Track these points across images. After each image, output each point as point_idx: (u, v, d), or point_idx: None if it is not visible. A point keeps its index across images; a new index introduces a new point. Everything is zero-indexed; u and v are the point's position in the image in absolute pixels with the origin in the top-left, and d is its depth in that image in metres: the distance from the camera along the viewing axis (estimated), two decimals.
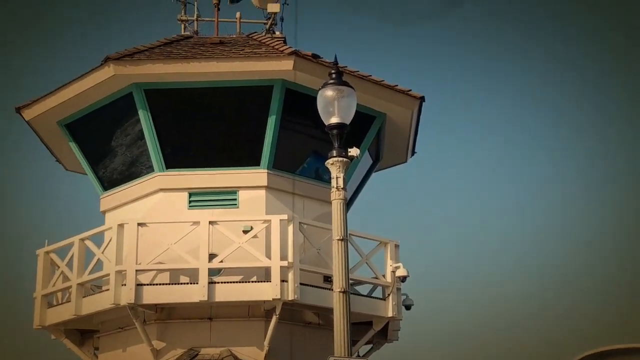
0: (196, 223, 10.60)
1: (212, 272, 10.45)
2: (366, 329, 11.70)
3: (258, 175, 11.50)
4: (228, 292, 10.42)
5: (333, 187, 7.80)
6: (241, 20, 14.00)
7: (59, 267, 11.54)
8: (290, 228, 10.50)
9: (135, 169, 12.13)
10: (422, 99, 12.60)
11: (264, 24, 13.90)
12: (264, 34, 13.54)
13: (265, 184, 11.42)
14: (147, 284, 10.53)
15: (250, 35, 13.27)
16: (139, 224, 10.65)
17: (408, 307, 12.13)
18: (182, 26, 13.95)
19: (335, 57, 8.56)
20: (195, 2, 14.14)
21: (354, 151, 7.94)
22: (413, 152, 14.49)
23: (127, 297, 10.19)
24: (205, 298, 10.15)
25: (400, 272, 11.44)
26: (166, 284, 10.73)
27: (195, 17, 14.06)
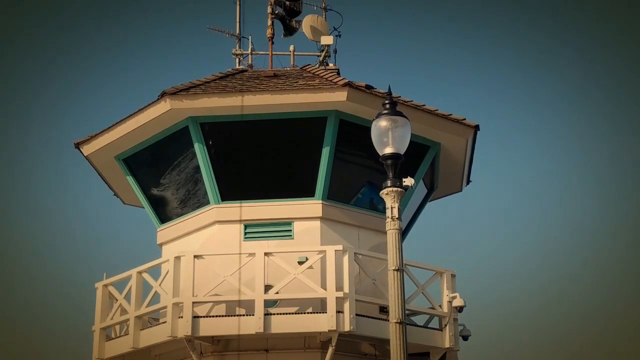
0: (252, 255, 10.58)
1: (268, 303, 10.40)
2: None
3: (313, 206, 11.49)
4: (284, 323, 10.36)
5: (388, 217, 7.71)
6: (295, 53, 14.08)
7: (117, 299, 11.63)
8: (346, 258, 10.41)
9: (191, 202, 12.20)
10: (477, 127, 12.55)
11: (318, 56, 13.98)
12: (317, 65, 13.64)
13: (320, 214, 11.42)
14: (204, 316, 10.53)
15: (304, 68, 13.37)
16: (195, 256, 10.67)
17: (465, 338, 12.02)
18: (237, 60, 14.05)
19: (389, 87, 8.60)
20: (250, 36, 14.26)
21: (408, 181, 7.91)
22: (468, 181, 14.38)
23: (184, 329, 10.17)
24: (262, 330, 10.08)
25: (457, 302, 11.31)
26: (222, 315, 10.73)
27: (249, 50, 14.17)
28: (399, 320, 7.28)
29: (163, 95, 11.18)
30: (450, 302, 11.32)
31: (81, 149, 12.64)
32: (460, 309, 11.41)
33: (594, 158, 36.17)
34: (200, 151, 11.46)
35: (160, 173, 12.64)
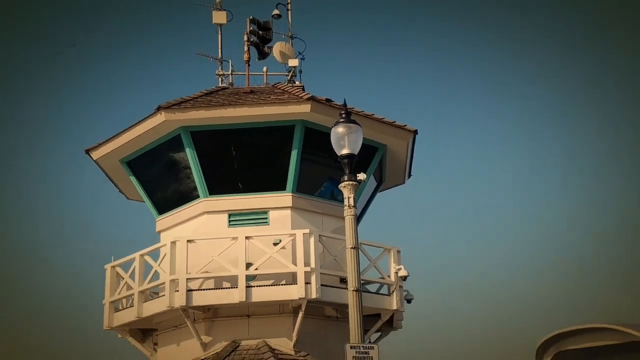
0: (235, 238, 10.75)
1: (249, 278, 10.60)
2: (375, 320, 11.81)
3: (284, 198, 11.67)
4: (262, 293, 10.60)
5: (345, 205, 7.98)
6: (267, 73, 14.23)
7: (123, 278, 11.76)
8: (312, 240, 10.67)
9: (183, 196, 12.27)
10: (416, 131, 12.77)
11: (286, 75, 14.11)
12: (286, 83, 13.75)
13: (291, 204, 11.59)
14: (196, 290, 10.68)
15: (275, 85, 13.49)
16: (188, 241, 10.84)
17: (409, 301, 12.23)
18: (220, 79, 14.15)
19: (344, 101, 8.73)
20: (230, 60, 14.37)
21: (361, 176, 8.13)
22: (409, 175, 14.61)
23: (179, 301, 10.37)
24: (244, 299, 10.33)
25: (402, 272, 11.55)
26: (211, 289, 10.87)
27: (230, 71, 14.26)
28: (355, 289, 7.67)
29: (159, 109, 11.29)
30: (396, 272, 11.56)
31: (91, 154, 12.76)
32: (404, 278, 11.68)
33: (512, 154, 37.51)
34: (190, 155, 11.57)
35: (157, 173, 12.71)
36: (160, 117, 11.24)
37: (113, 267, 11.83)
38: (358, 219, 9.16)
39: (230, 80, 14.00)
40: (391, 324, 12.10)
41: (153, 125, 11.50)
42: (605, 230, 32.31)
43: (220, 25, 14.00)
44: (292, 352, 10.76)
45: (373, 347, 7.81)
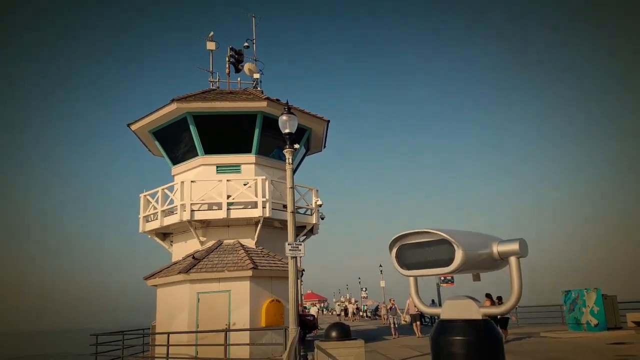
0: (220, 181, 12.62)
1: (229, 204, 12.45)
2: (303, 229, 13.88)
3: (251, 157, 13.37)
4: (237, 213, 12.52)
5: (287, 163, 9.07)
6: (241, 82, 15.53)
7: (150, 202, 13.53)
8: (267, 183, 12.61)
9: (188, 154, 13.68)
10: (328, 121, 14.67)
11: (252, 84, 15.52)
12: (252, 89, 15.14)
13: (254, 162, 13.34)
14: (197, 210, 12.58)
15: (245, 90, 14.94)
16: (191, 182, 12.70)
17: (322, 218, 14.55)
18: (211, 84, 15.40)
19: (287, 101, 9.64)
20: (217, 72, 15.62)
21: (296, 146, 9.52)
22: (324, 146, 16.11)
23: (186, 216, 12.37)
24: (226, 216, 12.32)
25: (319, 202, 13.73)
26: (206, 210, 12.73)
27: (217, 79, 15.50)
28: (292, 211, 8.99)
29: (173, 100, 13.09)
30: (316, 202, 13.77)
31: (130, 127, 14.18)
32: (320, 205, 13.96)
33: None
34: (193, 130, 13.22)
35: (172, 140, 13.99)
36: (174, 106, 12.99)
37: (144, 195, 13.66)
38: (294, 171, 10.66)
39: (218, 85, 15.41)
40: (312, 231, 14.31)
41: (169, 110, 13.17)
42: None
43: (211, 50, 15.41)
44: (255, 247, 12.71)
45: (301, 244, 8.77)
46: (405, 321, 21.37)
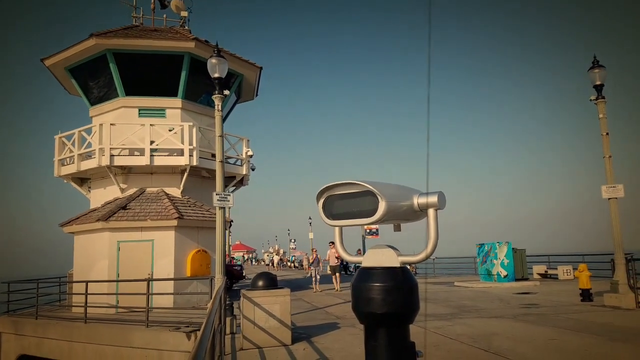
0: (143, 125, 12.33)
1: (152, 150, 12.25)
2: (232, 180, 13.91)
3: (176, 101, 13.07)
4: (161, 160, 12.37)
5: (216, 109, 8.88)
6: (166, 19, 14.93)
7: (66, 145, 13.02)
8: (194, 130, 12.44)
9: (108, 94, 13.19)
10: (261, 68, 14.54)
11: (179, 21, 14.89)
12: (179, 27, 14.59)
13: (180, 106, 13.06)
14: (117, 155, 12.30)
15: (171, 28, 14.43)
16: (111, 124, 12.30)
17: (253, 169, 14.48)
18: (134, 20, 14.74)
19: (217, 43, 9.51)
20: (142, 7, 14.92)
21: (226, 92, 9.04)
22: (257, 95, 16.03)
23: (105, 161, 12.05)
24: (149, 163, 12.14)
25: (249, 152, 13.84)
26: (127, 155, 12.46)
27: (141, 15, 14.82)
28: (221, 160, 8.74)
29: (91, 35, 12.40)
30: (246, 152, 13.84)
31: (44, 62, 13.27)
32: (251, 156, 14.03)
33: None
34: (113, 68, 12.65)
35: (91, 78, 13.40)
36: (92, 41, 12.34)
37: (59, 137, 13.09)
38: (224, 119, 10.32)
39: (141, 21, 14.74)
40: (242, 182, 14.43)
41: (87, 46, 12.50)
42: None
43: None
44: (181, 196, 12.71)
45: (230, 194, 8.87)
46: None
